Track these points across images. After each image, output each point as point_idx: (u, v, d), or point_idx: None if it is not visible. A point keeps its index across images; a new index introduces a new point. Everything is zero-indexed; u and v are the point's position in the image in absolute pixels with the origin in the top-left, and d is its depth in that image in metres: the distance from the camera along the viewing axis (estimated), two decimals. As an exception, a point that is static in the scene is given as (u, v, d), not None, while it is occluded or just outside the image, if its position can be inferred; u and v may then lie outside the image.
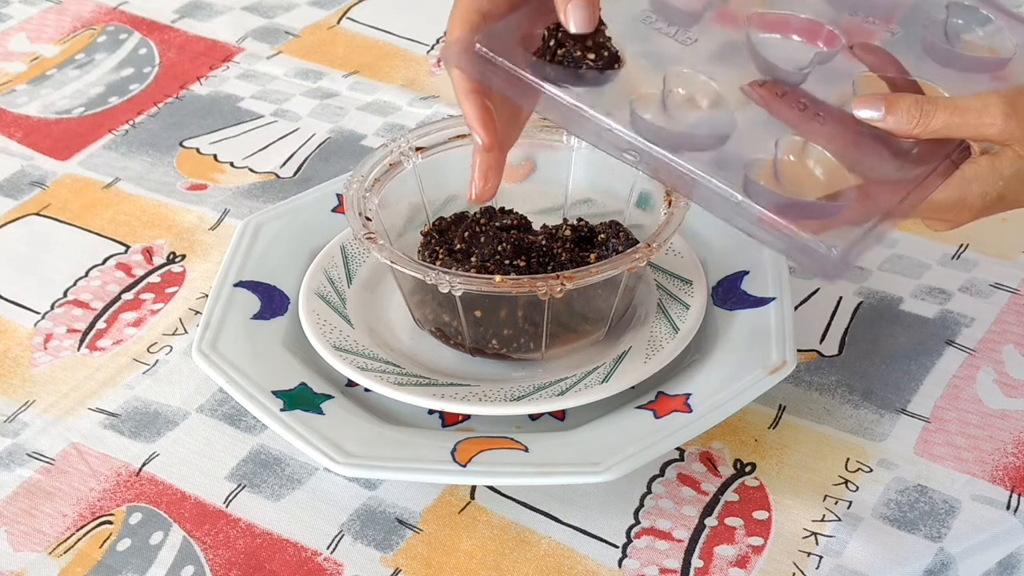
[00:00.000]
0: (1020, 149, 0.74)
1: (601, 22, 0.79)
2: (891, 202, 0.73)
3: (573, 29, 0.77)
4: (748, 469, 0.84)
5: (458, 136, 0.92)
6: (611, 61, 0.78)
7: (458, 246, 0.87)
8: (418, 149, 0.92)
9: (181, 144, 1.14)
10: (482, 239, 0.87)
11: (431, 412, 0.86)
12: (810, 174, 0.75)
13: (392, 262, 0.83)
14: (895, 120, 0.74)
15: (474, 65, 0.77)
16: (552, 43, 0.78)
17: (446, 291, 0.81)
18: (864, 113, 0.75)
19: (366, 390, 0.86)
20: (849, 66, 0.80)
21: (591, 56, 0.78)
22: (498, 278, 0.81)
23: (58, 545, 0.81)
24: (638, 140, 0.74)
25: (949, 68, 0.81)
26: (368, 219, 0.87)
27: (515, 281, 0.81)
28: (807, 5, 0.85)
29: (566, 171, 0.95)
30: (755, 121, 0.77)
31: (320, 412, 0.83)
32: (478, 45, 0.77)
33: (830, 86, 0.79)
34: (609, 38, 0.79)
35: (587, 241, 0.89)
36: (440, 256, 0.87)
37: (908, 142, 0.75)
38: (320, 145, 1.14)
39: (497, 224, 0.89)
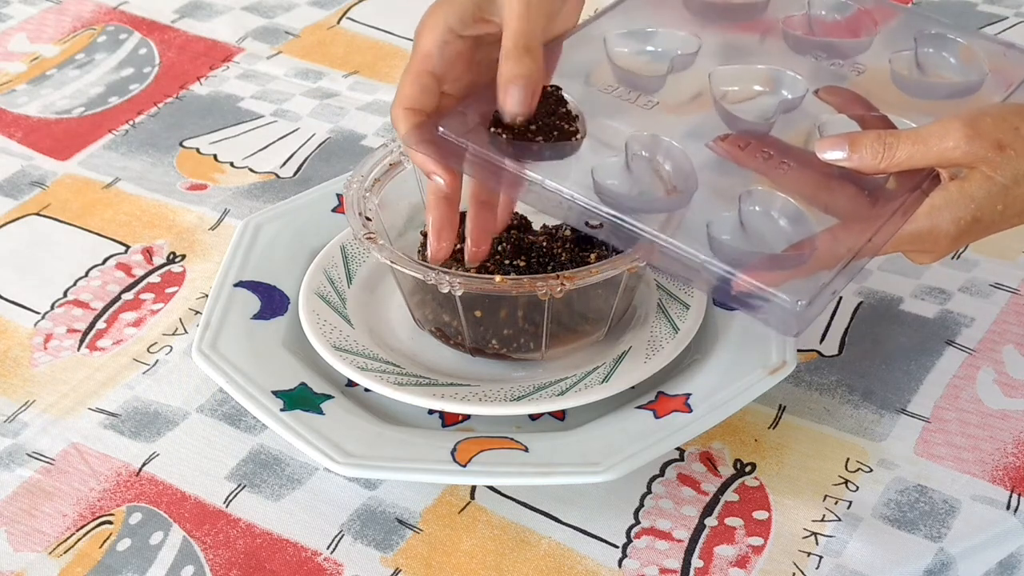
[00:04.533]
0: (988, 170, 0.73)
1: (563, 101, 0.81)
2: (859, 243, 0.73)
3: (508, 109, 0.78)
4: (748, 469, 0.84)
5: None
6: (568, 134, 0.80)
7: (458, 246, 0.87)
8: None
9: (181, 144, 1.14)
10: None
11: (431, 412, 0.86)
12: (775, 224, 0.75)
13: (392, 262, 0.83)
14: (859, 157, 0.74)
15: (436, 149, 0.79)
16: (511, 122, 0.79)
17: (446, 291, 0.81)
18: (828, 155, 0.75)
19: (366, 390, 0.86)
20: (814, 110, 0.81)
21: (540, 139, 0.79)
22: (498, 278, 0.81)
23: (58, 545, 0.81)
24: (598, 208, 0.75)
25: (921, 98, 0.82)
26: (368, 219, 0.87)
27: (515, 281, 0.81)
28: (771, 55, 0.85)
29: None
30: (720, 176, 0.78)
31: (320, 412, 0.83)
32: (441, 129, 0.78)
33: (797, 132, 0.79)
34: (573, 115, 0.80)
35: (587, 241, 0.89)
36: None
37: (878, 177, 0.75)
38: (320, 145, 1.14)
39: None
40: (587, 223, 0.76)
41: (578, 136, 0.80)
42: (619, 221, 0.75)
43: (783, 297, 0.71)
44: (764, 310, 0.71)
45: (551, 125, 0.80)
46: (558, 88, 0.82)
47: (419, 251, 0.89)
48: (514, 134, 0.79)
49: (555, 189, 0.76)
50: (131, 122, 1.17)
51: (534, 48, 0.78)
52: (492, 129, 0.79)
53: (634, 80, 0.84)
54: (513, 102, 0.78)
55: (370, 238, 0.85)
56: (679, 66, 0.85)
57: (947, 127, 0.73)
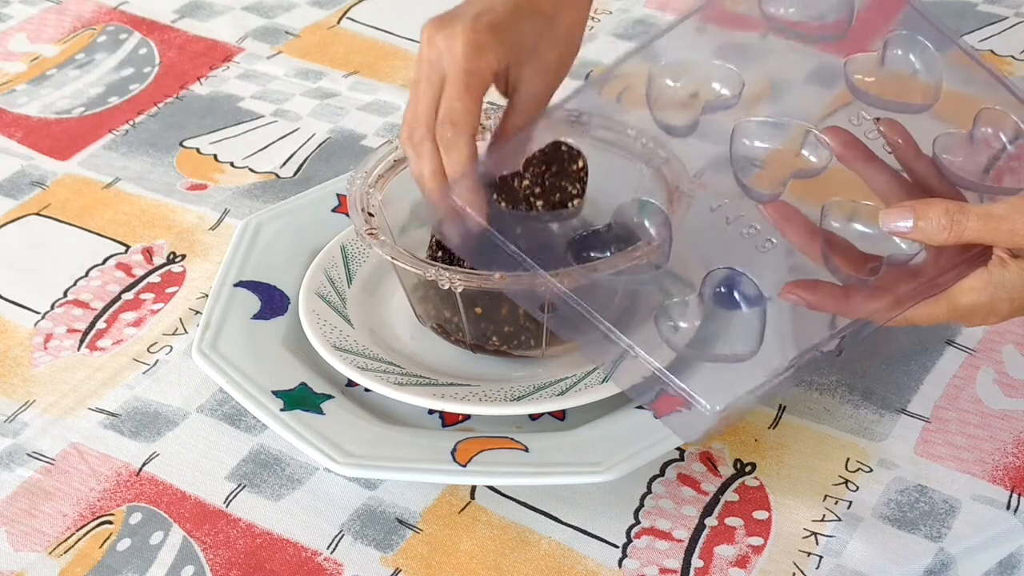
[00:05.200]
0: None
1: (576, 157, 0.83)
2: (890, 313, 0.74)
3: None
4: (748, 469, 0.84)
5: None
6: (570, 197, 0.83)
7: None
8: None
9: (181, 144, 1.14)
10: None
11: (431, 412, 0.86)
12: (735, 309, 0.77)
13: (393, 258, 0.83)
14: (925, 226, 0.73)
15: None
16: (516, 183, 0.83)
17: (446, 288, 0.81)
18: (892, 225, 0.74)
19: (366, 390, 0.86)
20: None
21: (540, 203, 0.82)
22: (497, 275, 0.81)
23: (58, 545, 0.81)
24: (543, 278, 0.77)
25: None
26: (371, 215, 0.87)
27: (514, 278, 0.81)
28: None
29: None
30: (691, 251, 0.80)
31: (320, 412, 0.83)
32: (454, 198, 0.80)
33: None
34: (583, 172, 0.83)
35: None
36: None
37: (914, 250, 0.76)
38: (320, 145, 1.14)
39: None
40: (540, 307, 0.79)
41: (576, 202, 0.83)
42: (568, 301, 0.77)
43: (701, 401, 0.73)
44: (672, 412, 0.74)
45: (555, 187, 0.82)
46: (578, 152, 0.84)
47: (428, 250, 0.89)
48: (516, 199, 0.82)
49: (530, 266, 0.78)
50: (131, 122, 1.17)
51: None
52: (495, 196, 0.82)
53: (669, 127, 0.83)
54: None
55: (372, 234, 0.85)
56: (715, 108, 0.84)
57: (1020, 210, 0.72)
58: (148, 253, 1.02)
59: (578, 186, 0.84)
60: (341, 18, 1.31)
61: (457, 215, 0.80)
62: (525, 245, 0.78)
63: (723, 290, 0.77)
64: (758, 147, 0.82)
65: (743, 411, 0.74)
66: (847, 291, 0.75)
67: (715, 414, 0.73)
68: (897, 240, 0.76)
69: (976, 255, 0.74)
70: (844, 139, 0.80)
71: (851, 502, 0.82)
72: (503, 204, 0.83)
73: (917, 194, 0.77)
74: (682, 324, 0.76)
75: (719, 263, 0.78)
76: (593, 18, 1.25)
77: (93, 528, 0.82)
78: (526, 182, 0.83)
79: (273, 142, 1.14)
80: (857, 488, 0.82)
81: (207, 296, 0.91)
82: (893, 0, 0.84)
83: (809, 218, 0.78)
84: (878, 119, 0.81)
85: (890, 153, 0.80)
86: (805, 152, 0.81)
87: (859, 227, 0.78)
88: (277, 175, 1.10)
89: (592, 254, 0.80)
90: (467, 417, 0.85)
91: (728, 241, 0.80)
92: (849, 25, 0.83)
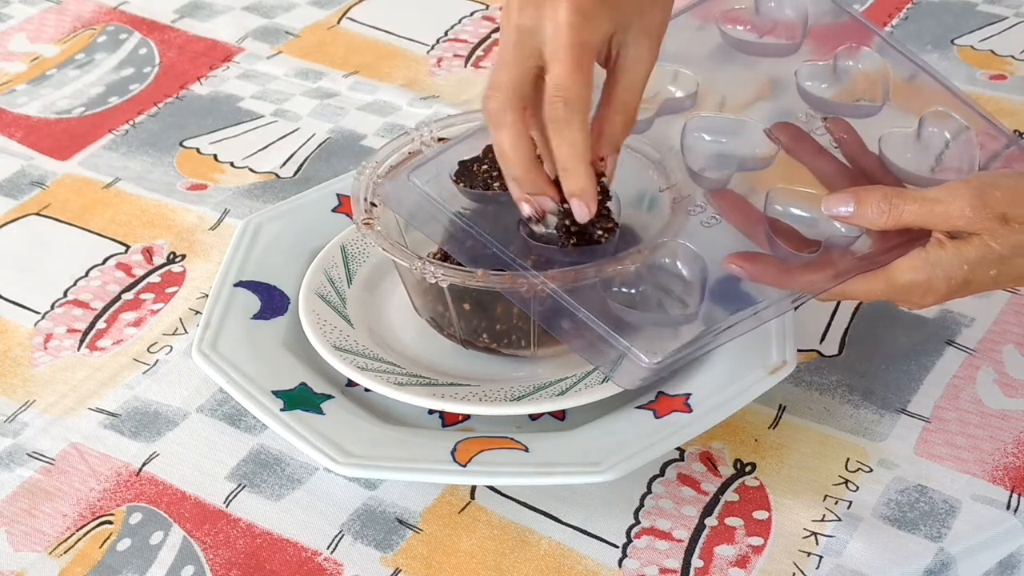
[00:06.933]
0: (988, 238, 0.74)
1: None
2: (825, 284, 0.77)
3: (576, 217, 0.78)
4: (748, 469, 0.84)
5: (484, 130, 0.91)
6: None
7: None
8: (440, 140, 0.91)
9: (181, 144, 1.14)
10: None
11: (431, 412, 0.86)
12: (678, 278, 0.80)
13: (384, 249, 0.83)
14: (865, 212, 0.76)
15: (403, 199, 0.82)
16: (475, 168, 0.84)
17: (432, 282, 0.81)
18: (834, 210, 0.76)
19: (366, 390, 0.86)
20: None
21: (497, 186, 0.83)
22: (480, 272, 0.81)
23: (58, 545, 0.81)
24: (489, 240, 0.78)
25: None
26: (374, 204, 0.86)
27: (496, 276, 0.80)
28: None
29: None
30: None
31: (320, 412, 0.83)
32: (409, 177, 0.81)
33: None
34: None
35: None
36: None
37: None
38: (320, 145, 1.14)
39: None
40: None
41: None
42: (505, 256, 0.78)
43: (637, 353, 0.75)
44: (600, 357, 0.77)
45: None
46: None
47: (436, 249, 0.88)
48: (475, 183, 0.83)
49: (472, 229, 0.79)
50: (131, 122, 1.17)
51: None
52: (453, 178, 0.83)
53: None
54: (578, 214, 0.78)
55: (367, 223, 0.85)
56: (665, 111, 0.85)
57: (954, 194, 0.74)
58: (148, 253, 1.02)
59: None
60: (341, 18, 1.31)
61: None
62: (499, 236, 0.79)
63: (667, 260, 0.79)
64: (707, 140, 0.84)
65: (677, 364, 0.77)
66: (787, 264, 0.78)
67: (652, 366, 0.75)
68: (838, 225, 0.78)
69: (915, 237, 0.76)
70: (792, 133, 0.82)
71: (851, 502, 0.82)
72: (461, 186, 0.83)
73: (862, 184, 0.80)
74: (625, 290, 0.79)
75: (664, 236, 0.81)
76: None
77: (93, 528, 0.82)
78: (485, 167, 0.84)
79: (273, 142, 1.14)
80: (857, 488, 0.82)
81: (207, 296, 0.91)
82: (862, 31, 0.85)
83: (755, 207, 0.80)
84: (825, 117, 0.84)
85: (836, 148, 0.82)
86: (752, 145, 0.84)
87: (802, 213, 0.80)
88: (277, 175, 1.10)
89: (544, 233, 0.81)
90: (467, 417, 0.85)
91: (675, 217, 0.83)
92: (803, 38, 0.86)
